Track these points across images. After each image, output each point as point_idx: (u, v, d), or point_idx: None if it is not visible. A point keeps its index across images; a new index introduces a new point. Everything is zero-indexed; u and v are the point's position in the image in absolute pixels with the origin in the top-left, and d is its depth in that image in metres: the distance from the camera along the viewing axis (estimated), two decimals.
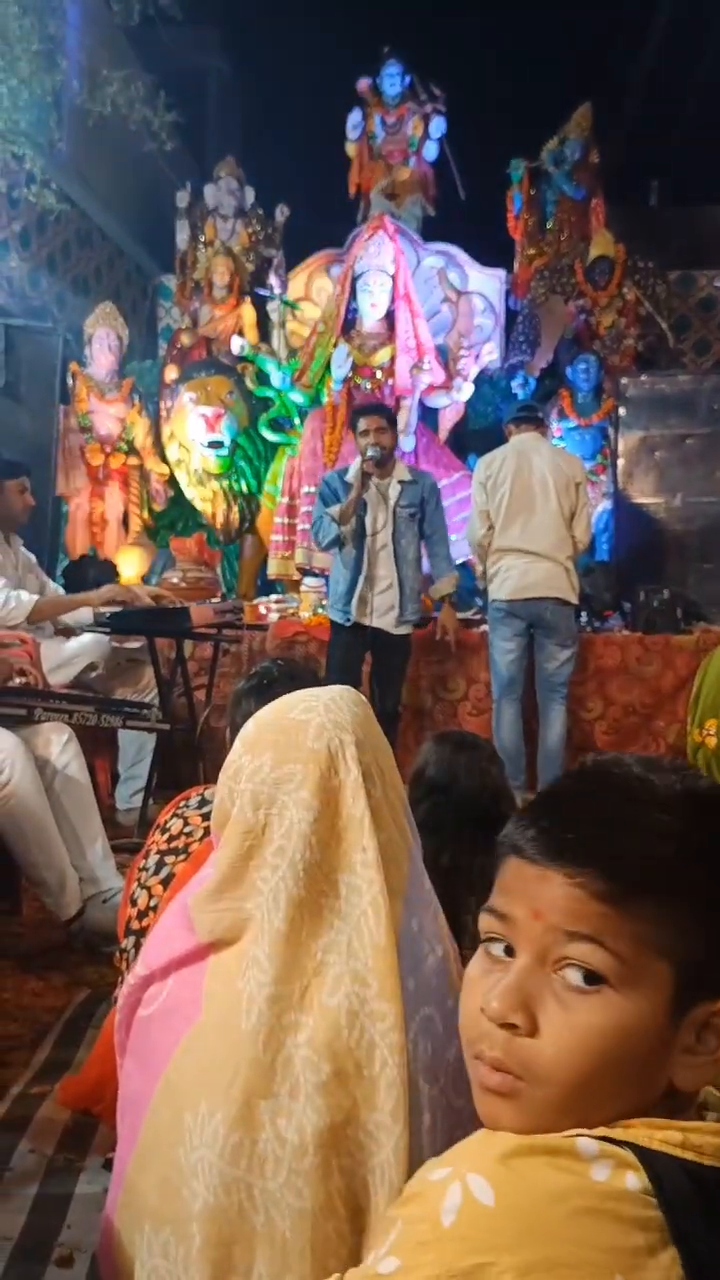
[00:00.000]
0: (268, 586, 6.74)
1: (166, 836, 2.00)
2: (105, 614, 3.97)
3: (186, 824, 2.01)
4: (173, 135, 5.87)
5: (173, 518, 6.93)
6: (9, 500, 3.91)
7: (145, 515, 6.77)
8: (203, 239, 7.54)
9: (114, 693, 4.43)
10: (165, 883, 1.93)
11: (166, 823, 2.04)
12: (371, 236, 6.64)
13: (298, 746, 1.18)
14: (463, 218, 7.77)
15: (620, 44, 11.23)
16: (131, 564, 6.25)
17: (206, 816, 1.99)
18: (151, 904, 1.93)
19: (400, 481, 4.68)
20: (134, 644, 4.37)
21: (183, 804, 2.08)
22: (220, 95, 7.62)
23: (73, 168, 6.76)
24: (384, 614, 4.66)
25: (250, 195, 7.63)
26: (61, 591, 4.28)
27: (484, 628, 5.24)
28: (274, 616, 5.67)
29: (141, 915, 1.94)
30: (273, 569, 6.50)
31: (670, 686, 5.25)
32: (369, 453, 4.55)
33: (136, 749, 4.51)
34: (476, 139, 7.91)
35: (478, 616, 5.48)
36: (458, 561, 6.22)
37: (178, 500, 6.89)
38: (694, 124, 10.87)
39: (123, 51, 6.20)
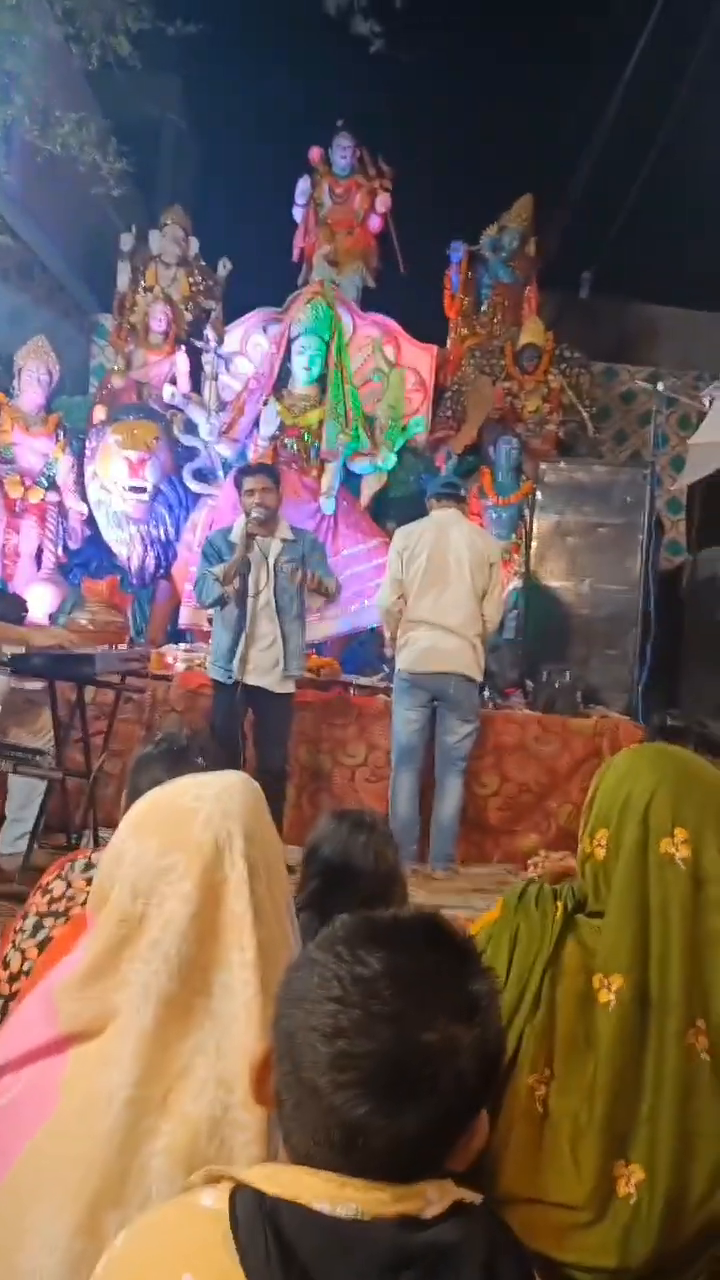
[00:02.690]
0: (178, 634, 6.70)
1: (48, 899, 1.96)
2: (6, 654, 3.90)
3: (69, 887, 1.97)
4: (121, 181, 5.91)
5: (87, 556, 6.86)
6: None
7: (59, 552, 6.69)
8: (143, 284, 7.56)
9: (9, 733, 4.35)
10: (41, 946, 1.88)
11: (49, 884, 2.00)
12: (310, 301, 6.76)
13: (184, 836, 1.17)
14: (401, 292, 7.95)
15: (565, 140, 11.67)
16: (42, 600, 6.16)
17: (90, 881, 1.95)
18: (25, 967, 1.88)
19: (283, 539, 4.73)
20: (33, 685, 4.29)
21: (68, 866, 2.04)
22: (174, 144, 7.71)
23: (18, 199, 6.76)
24: (267, 671, 4.68)
25: (195, 246, 7.70)
26: None
27: (385, 696, 5.29)
28: (180, 666, 5.63)
29: (13, 979, 1.89)
30: (184, 618, 6.48)
31: (566, 767, 5.35)
32: (253, 513, 4.60)
33: (25, 792, 4.41)
34: (420, 217, 8.12)
35: (382, 684, 5.52)
36: (369, 627, 6.30)
37: (94, 540, 6.83)
38: (629, 221, 11.32)
39: (80, 93, 6.25)
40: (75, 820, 4.48)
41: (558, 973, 1.44)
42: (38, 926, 1.90)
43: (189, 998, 1.13)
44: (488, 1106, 0.91)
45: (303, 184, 7.89)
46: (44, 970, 1.76)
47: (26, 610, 5.66)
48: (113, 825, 2.88)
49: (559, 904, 1.50)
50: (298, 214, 7.94)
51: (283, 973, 1.22)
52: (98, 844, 4.61)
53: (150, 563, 6.74)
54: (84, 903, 1.92)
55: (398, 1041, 0.83)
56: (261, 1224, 0.82)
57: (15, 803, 4.41)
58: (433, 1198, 0.85)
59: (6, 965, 1.90)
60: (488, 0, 6.49)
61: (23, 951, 1.89)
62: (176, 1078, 1.09)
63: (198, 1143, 1.07)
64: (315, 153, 7.88)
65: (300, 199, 7.91)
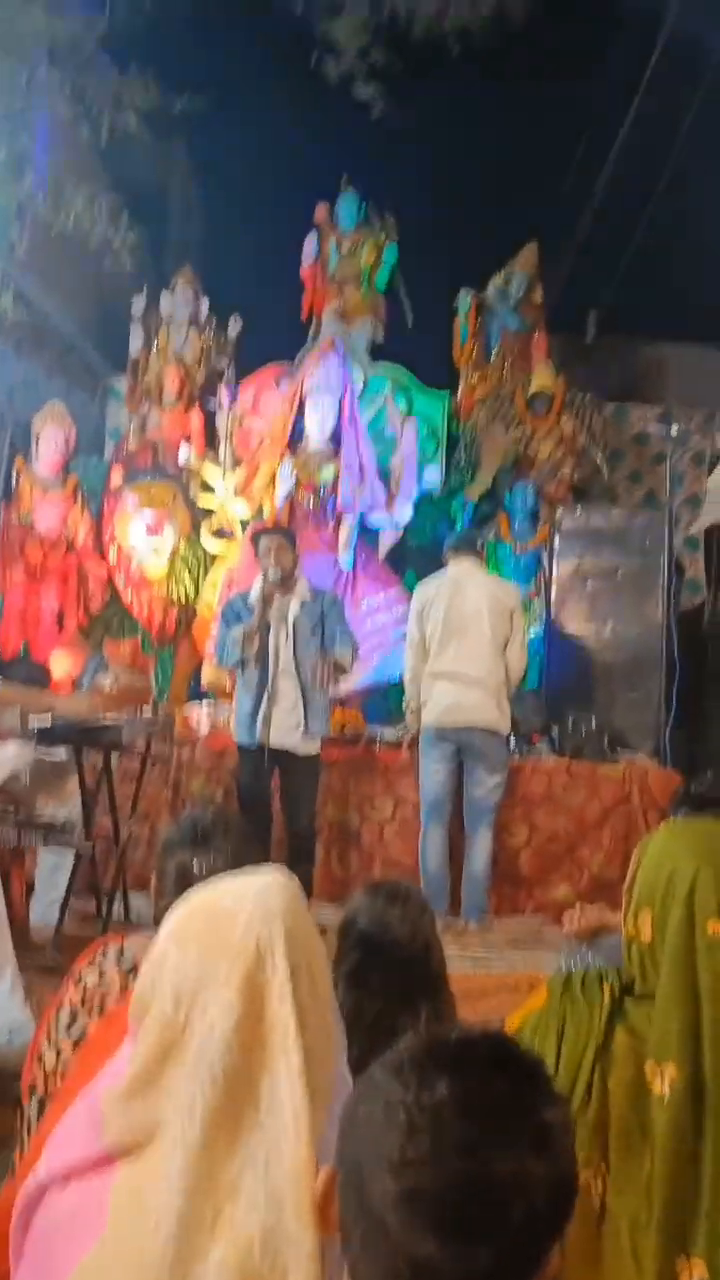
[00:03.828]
0: (200, 694, 6.70)
1: (81, 990, 1.94)
2: (34, 726, 3.91)
3: (103, 978, 1.95)
4: (133, 253, 6.02)
5: (108, 619, 6.89)
6: None
7: (81, 614, 6.72)
8: (156, 345, 7.66)
9: (37, 803, 4.34)
10: (76, 1043, 1.86)
11: (82, 974, 1.98)
12: (322, 357, 6.82)
13: (225, 940, 1.16)
14: (411, 342, 8.02)
15: (567, 186, 11.82)
16: (64, 664, 6.18)
17: (124, 970, 1.94)
18: (60, 1064, 1.87)
19: (301, 600, 4.73)
20: (59, 754, 4.30)
21: (99, 954, 2.02)
22: (182, 207, 7.85)
23: (32, 268, 6.88)
24: (290, 732, 4.67)
25: (205, 306, 7.79)
26: None
27: (410, 749, 5.26)
28: (204, 728, 5.63)
29: (48, 1078, 1.87)
30: (206, 677, 6.48)
31: (595, 816, 5.30)
32: (270, 574, 4.61)
33: (55, 861, 4.40)
34: (427, 267, 8.22)
35: (406, 737, 5.49)
36: (392, 679, 6.28)
37: (114, 601, 6.86)
38: (633, 262, 11.44)
39: (91, 167, 6.39)
40: (105, 884, 4.46)
41: (608, 1062, 1.41)
42: (72, 1021, 1.88)
43: (236, 1109, 1.10)
44: (561, 1242, 0.88)
45: (310, 240, 8.00)
46: (81, 1071, 1.74)
47: (50, 678, 5.71)
48: (143, 888, 2.83)
49: (606, 988, 1.47)
50: (305, 271, 8.06)
51: (329, 1077, 1.20)
52: (128, 909, 4.59)
53: (170, 623, 6.76)
54: (119, 994, 1.91)
55: (468, 1175, 0.80)
56: None
57: (45, 872, 4.39)
58: None
59: (41, 1062, 1.88)
60: (486, 58, 6.58)
61: (58, 1049, 1.87)
62: (226, 1194, 1.06)
63: (250, 1262, 1.04)
64: (321, 210, 7.99)
65: (308, 256, 8.01)
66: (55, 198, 5.64)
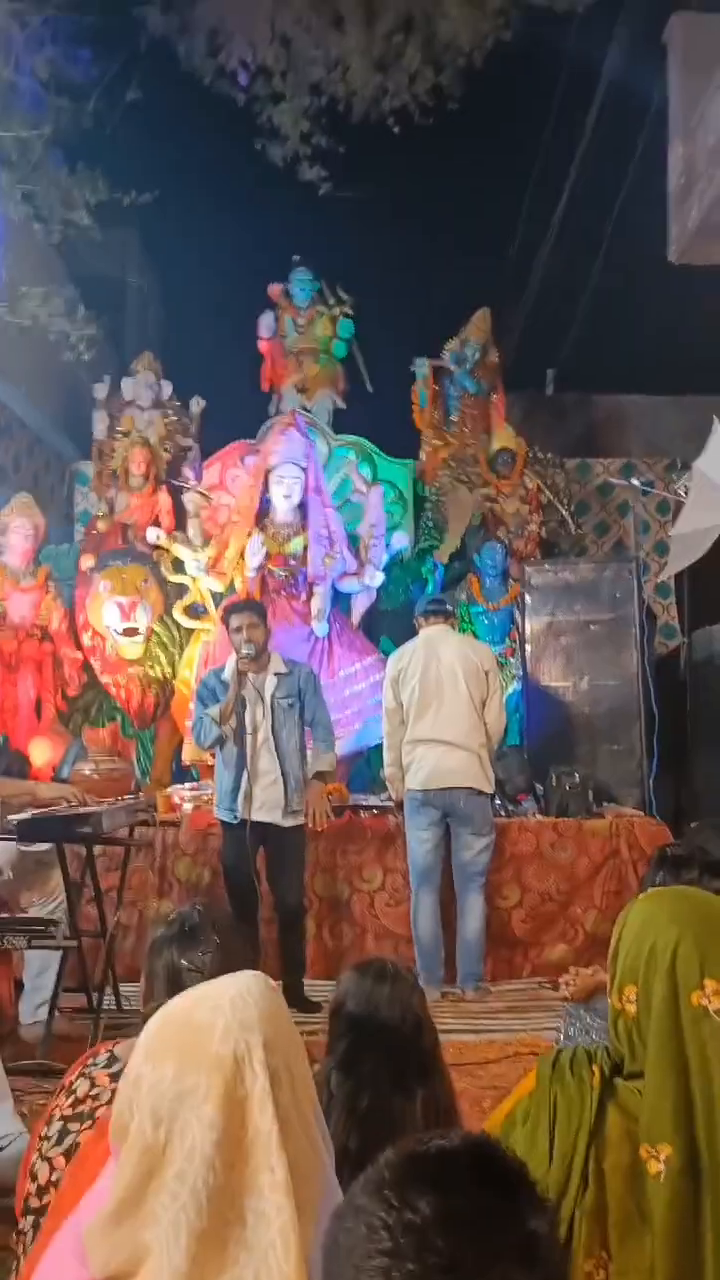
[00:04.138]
0: (182, 772, 6.67)
1: (71, 1100, 1.90)
2: (11, 821, 3.87)
3: (93, 1085, 1.92)
4: (90, 346, 6.11)
5: (87, 703, 6.87)
6: None
7: (59, 701, 6.69)
8: (120, 429, 7.73)
9: (21, 898, 4.29)
10: (68, 1154, 1.82)
11: (72, 1084, 1.94)
12: (284, 431, 6.91)
13: (201, 1053, 1.14)
14: (372, 410, 8.15)
15: (515, 249, 12.12)
16: (44, 753, 6.15)
17: (114, 1077, 1.90)
18: (53, 1178, 1.82)
19: (276, 674, 4.74)
20: (41, 846, 4.25)
21: (90, 1062, 1.98)
22: (139, 295, 7.99)
23: None
24: (272, 808, 4.65)
25: (167, 388, 7.89)
26: None
27: (395, 816, 5.24)
28: (188, 807, 5.59)
29: (41, 1191, 1.82)
30: (187, 754, 6.46)
31: (585, 872, 5.28)
32: (243, 649, 4.62)
33: (43, 959, 4.32)
34: (383, 337, 8.38)
35: (389, 803, 5.46)
36: (372, 745, 6.28)
37: (92, 686, 6.84)
38: (586, 317, 11.69)
39: (45, 265, 6.50)
40: (95, 978, 4.39)
41: (602, 1145, 1.39)
42: (63, 1133, 1.84)
43: (221, 1229, 1.08)
44: None
45: (266, 318, 8.14)
46: (73, 1185, 1.70)
47: (30, 767, 5.67)
48: (133, 978, 2.79)
49: (595, 1069, 1.46)
50: (263, 347, 8.19)
51: (318, 1186, 1.18)
52: (119, 1000, 4.51)
53: (149, 703, 6.74)
54: (109, 1102, 1.88)
55: None
56: None
57: (32, 971, 4.32)
58: None
59: (34, 1177, 1.83)
60: (426, 135, 6.77)
61: (50, 1161, 1.82)
62: None
63: None
64: (275, 288, 8.16)
65: (265, 333, 8.16)
66: (11, 297, 5.73)
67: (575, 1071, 1.47)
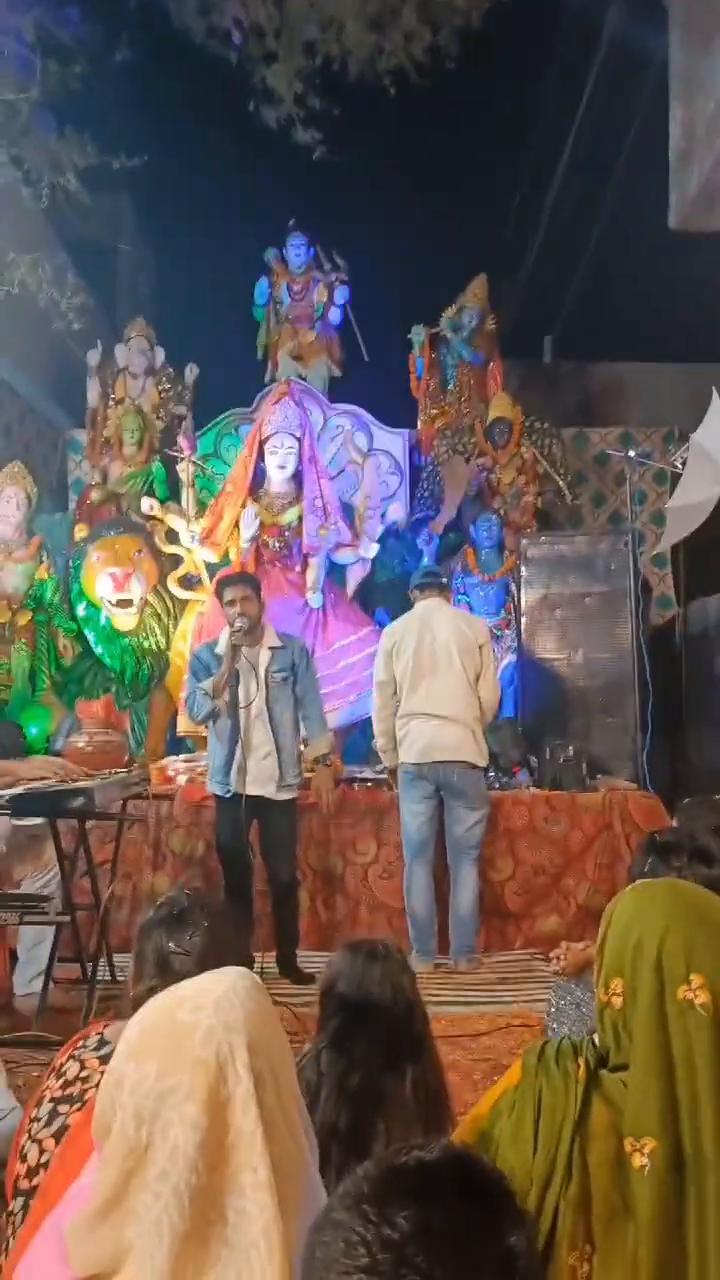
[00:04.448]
0: (177, 743, 6.67)
1: (61, 1082, 1.91)
2: (3, 796, 3.87)
3: (83, 1068, 1.92)
4: (80, 314, 6.03)
5: (81, 673, 6.85)
6: None
7: (53, 672, 6.67)
8: (113, 397, 7.67)
9: (14, 872, 4.30)
10: (58, 1136, 1.82)
11: (62, 1066, 1.95)
12: (278, 400, 6.85)
13: (184, 1054, 1.13)
14: (368, 379, 8.08)
15: (513, 215, 11.97)
16: (38, 723, 6.14)
17: (104, 1060, 1.90)
18: (43, 1160, 1.82)
19: (270, 648, 4.72)
20: (34, 821, 4.25)
21: (80, 1044, 1.99)
22: (131, 261, 7.89)
23: None
24: (265, 782, 4.65)
25: (160, 355, 7.82)
26: None
27: (389, 789, 5.25)
28: (182, 779, 5.59)
29: (31, 1173, 1.82)
30: (182, 726, 6.45)
31: (578, 845, 5.29)
32: (236, 623, 4.60)
33: (37, 931, 4.33)
34: (379, 305, 8.30)
35: (383, 776, 5.46)
36: (366, 716, 6.27)
37: (86, 656, 6.82)
38: (584, 284, 11.58)
39: (34, 230, 6.41)
40: (89, 950, 4.40)
41: (586, 1137, 1.39)
42: (53, 1114, 1.85)
43: (203, 1229, 1.08)
44: None
45: (261, 285, 8.07)
46: (62, 1168, 1.71)
47: (23, 737, 5.65)
48: (127, 950, 2.82)
49: (580, 1061, 1.46)
50: (258, 314, 8.11)
51: (302, 1186, 1.18)
52: (114, 971, 4.53)
53: (143, 675, 6.73)
54: (98, 1085, 1.88)
55: None
56: None
57: (26, 943, 4.33)
58: None
59: (24, 1158, 1.84)
60: (423, 97, 6.65)
61: (40, 1143, 1.83)
62: None
63: None
64: (271, 254, 8.08)
65: (260, 299, 8.08)
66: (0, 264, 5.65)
67: (560, 1064, 1.47)
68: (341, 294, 8.02)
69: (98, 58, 5.83)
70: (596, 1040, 1.51)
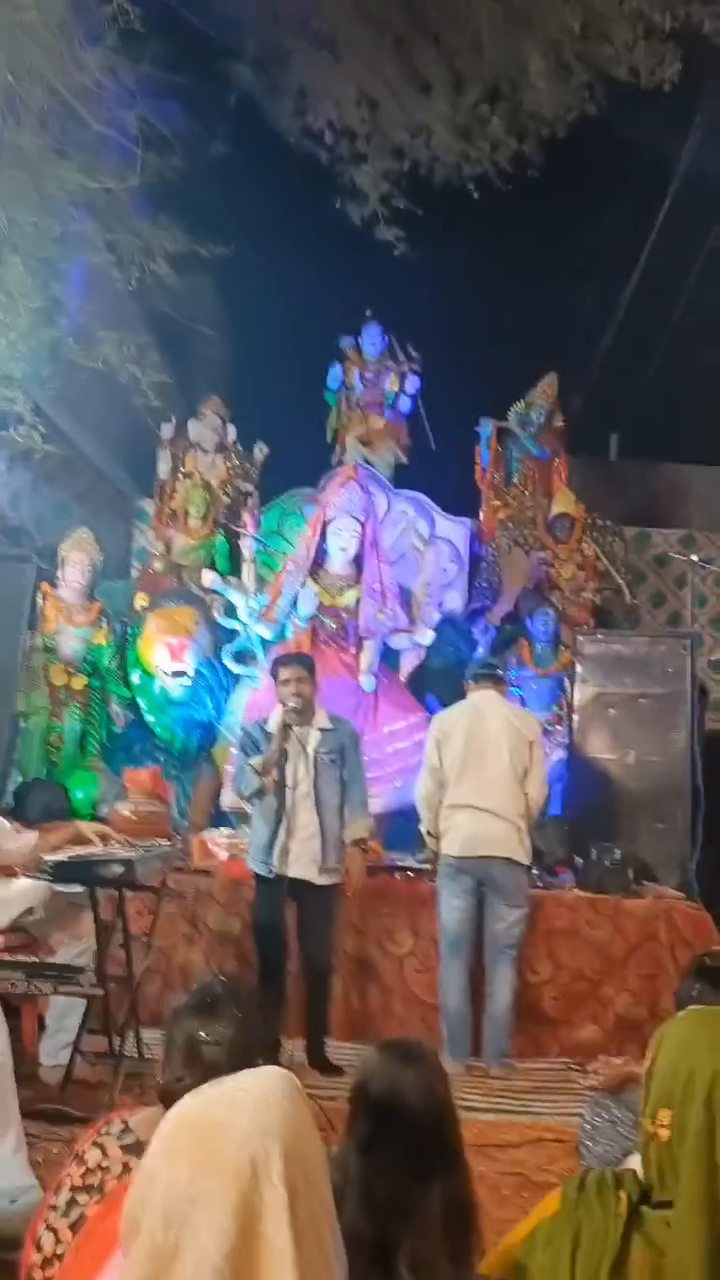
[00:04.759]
0: (221, 817, 6.65)
1: (82, 1170, 1.87)
2: (47, 861, 3.87)
3: (105, 1155, 1.88)
4: (160, 393, 6.22)
5: (129, 741, 6.89)
6: None
7: (103, 737, 6.72)
8: (183, 470, 7.84)
9: (51, 938, 4.27)
10: (75, 1226, 1.78)
11: (84, 1153, 1.91)
12: (344, 483, 6.96)
13: (217, 1158, 1.11)
14: (433, 468, 8.17)
15: (585, 314, 12.17)
16: (84, 789, 6.17)
17: (126, 1149, 1.87)
18: (58, 1250, 1.78)
19: (320, 729, 4.71)
20: (74, 888, 4.24)
21: (103, 1130, 1.95)
22: (210, 340, 8.12)
23: (63, 404, 7.10)
24: (308, 865, 4.61)
25: (232, 433, 8.00)
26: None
27: (430, 880, 5.17)
28: (223, 854, 5.56)
29: (47, 1263, 1.78)
30: (227, 800, 6.44)
31: (620, 952, 5.16)
32: (290, 702, 4.61)
33: (66, 1001, 4.30)
34: (448, 396, 8.42)
35: (425, 866, 5.38)
36: (412, 803, 6.21)
37: (137, 724, 6.87)
38: (652, 384, 11.68)
39: (120, 310, 6.64)
40: (118, 1023, 4.35)
41: (625, 1278, 1.33)
42: (71, 1204, 1.81)
43: None
44: None
45: (335, 370, 8.24)
46: (77, 1261, 1.67)
47: (69, 800, 5.68)
48: (157, 1025, 2.75)
49: (622, 1195, 1.40)
50: (330, 398, 8.28)
51: None
52: (140, 1047, 4.46)
53: (192, 745, 6.76)
54: (120, 1174, 1.84)
55: None
56: None
57: (56, 1012, 4.30)
58: None
59: (39, 1247, 1.80)
60: (504, 201, 6.84)
61: (55, 1232, 1.79)
62: None
63: None
64: (346, 341, 8.27)
65: (333, 384, 8.25)
66: (85, 341, 5.85)
67: (601, 1195, 1.41)
68: (412, 383, 8.16)
69: (195, 151, 6.09)
70: (640, 1172, 1.45)
